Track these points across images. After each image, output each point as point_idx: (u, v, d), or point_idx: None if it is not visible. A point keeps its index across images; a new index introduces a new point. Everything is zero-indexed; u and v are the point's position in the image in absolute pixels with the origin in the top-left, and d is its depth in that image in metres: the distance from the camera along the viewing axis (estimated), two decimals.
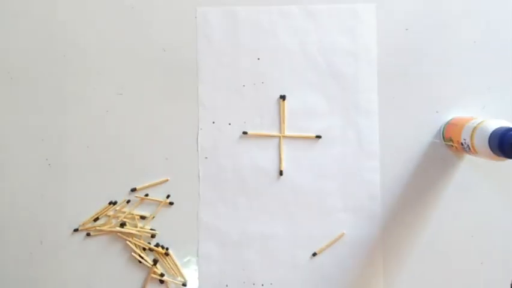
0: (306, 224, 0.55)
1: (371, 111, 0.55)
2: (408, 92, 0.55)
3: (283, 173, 0.55)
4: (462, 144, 0.47)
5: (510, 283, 0.54)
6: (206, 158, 0.55)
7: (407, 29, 0.55)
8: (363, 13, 0.55)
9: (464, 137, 0.47)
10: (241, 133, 0.55)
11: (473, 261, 0.54)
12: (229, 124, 0.55)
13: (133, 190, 0.55)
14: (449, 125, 0.51)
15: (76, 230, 0.55)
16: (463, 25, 0.55)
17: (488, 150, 0.43)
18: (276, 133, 0.55)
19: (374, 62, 0.55)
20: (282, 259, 0.55)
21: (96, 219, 0.55)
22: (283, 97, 0.55)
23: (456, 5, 0.55)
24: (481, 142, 0.44)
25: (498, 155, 0.42)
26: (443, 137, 0.52)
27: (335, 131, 0.55)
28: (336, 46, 0.55)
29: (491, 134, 0.43)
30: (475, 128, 0.45)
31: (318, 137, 0.55)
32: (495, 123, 0.44)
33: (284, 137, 0.55)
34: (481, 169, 0.54)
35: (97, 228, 0.55)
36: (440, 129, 0.54)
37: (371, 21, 0.55)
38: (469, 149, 0.46)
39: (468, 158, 0.54)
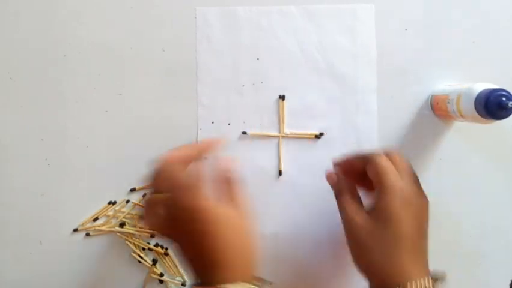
0: (306, 223, 0.55)
1: (370, 111, 0.55)
2: (407, 92, 0.55)
3: (283, 172, 0.55)
4: (449, 109, 0.48)
5: (510, 283, 0.54)
6: (205, 158, 0.55)
7: (406, 29, 0.55)
8: (362, 13, 0.55)
9: (451, 102, 0.48)
10: (240, 133, 0.55)
11: (472, 260, 0.54)
12: (229, 124, 0.55)
13: (132, 190, 0.55)
14: (436, 95, 0.52)
15: (75, 230, 0.55)
16: (462, 25, 0.55)
17: (475, 112, 0.43)
18: (275, 133, 0.55)
19: (373, 62, 0.55)
20: (281, 259, 0.55)
21: (95, 219, 0.55)
22: (282, 97, 0.55)
23: (455, 5, 0.55)
24: (468, 105, 0.44)
25: (484, 116, 0.43)
26: (431, 106, 0.53)
27: (334, 130, 0.55)
28: (336, 46, 0.55)
29: (477, 95, 0.43)
30: (460, 92, 0.46)
31: (318, 136, 0.55)
32: (481, 85, 0.44)
33: (283, 137, 0.55)
34: (485, 168, 0.54)
35: (97, 228, 0.55)
36: (428, 99, 0.54)
37: (370, 22, 0.55)
38: (456, 113, 0.47)
39: (468, 155, 0.54)
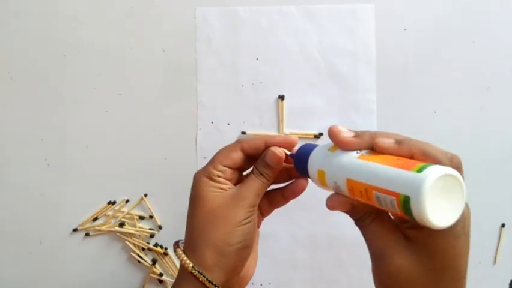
0: (306, 223, 0.55)
1: (370, 111, 0.55)
2: (406, 92, 0.55)
3: None
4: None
5: (509, 283, 0.53)
6: (205, 158, 0.55)
7: (405, 29, 0.55)
8: (362, 13, 0.55)
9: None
10: (240, 133, 0.55)
11: (471, 260, 0.54)
12: (228, 124, 0.55)
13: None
14: None
15: (75, 230, 0.55)
16: (462, 25, 0.55)
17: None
18: (275, 133, 0.55)
19: (373, 62, 0.55)
20: (281, 259, 0.54)
21: (95, 219, 0.55)
22: (282, 97, 0.55)
23: (454, 5, 0.55)
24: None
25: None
26: None
27: None
28: (335, 46, 0.55)
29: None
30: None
31: (317, 136, 0.55)
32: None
33: None
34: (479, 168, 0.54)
35: (96, 228, 0.55)
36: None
37: (370, 22, 0.55)
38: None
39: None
